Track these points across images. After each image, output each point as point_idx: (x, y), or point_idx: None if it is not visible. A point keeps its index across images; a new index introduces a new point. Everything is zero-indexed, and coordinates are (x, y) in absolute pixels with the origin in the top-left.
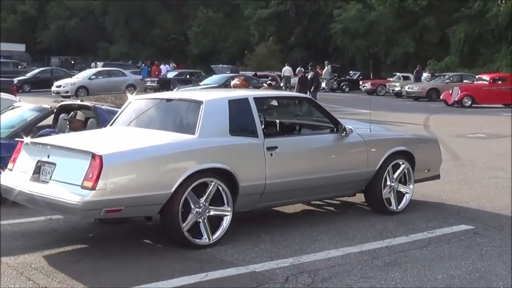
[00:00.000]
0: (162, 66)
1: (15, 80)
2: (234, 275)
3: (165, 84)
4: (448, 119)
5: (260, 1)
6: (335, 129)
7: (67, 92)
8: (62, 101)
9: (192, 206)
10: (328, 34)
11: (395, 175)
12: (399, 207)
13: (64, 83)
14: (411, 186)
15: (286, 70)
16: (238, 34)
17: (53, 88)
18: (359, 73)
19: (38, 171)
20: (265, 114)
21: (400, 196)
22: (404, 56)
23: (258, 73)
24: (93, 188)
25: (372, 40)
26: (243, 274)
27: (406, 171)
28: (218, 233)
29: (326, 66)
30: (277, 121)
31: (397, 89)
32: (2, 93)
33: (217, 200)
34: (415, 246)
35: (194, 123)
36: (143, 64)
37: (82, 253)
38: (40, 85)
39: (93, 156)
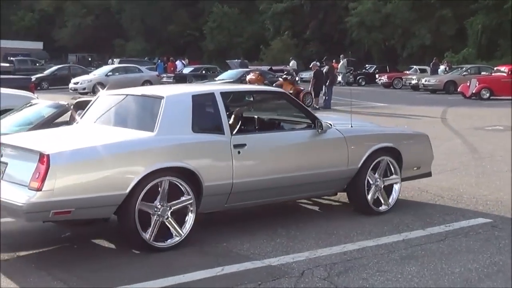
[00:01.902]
0: (177, 62)
1: (33, 77)
2: (249, 269)
3: (181, 80)
4: (466, 112)
5: None
6: (313, 125)
7: (84, 89)
8: (79, 97)
9: (153, 206)
10: (344, 27)
11: (380, 173)
12: (389, 201)
13: (81, 80)
14: (397, 176)
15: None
16: (253, 29)
17: (71, 85)
18: (375, 66)
19: None
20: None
21: (388, 191)
22: (421, 48)
23: (274, 68)
24: (39, 189)
25: (388, 33)
26: (259, 268)
27: (392, 166)
28: (187, 227)
29: (341, 60)
30: (249, 117)
31: (413, 82)
32: (20, 91)
33: (176, 195)
34: (432, 240)
35: (153, 119)
36: (159, 61)
37: (100, 247)
38: (58, 82)
39: (41, 155)
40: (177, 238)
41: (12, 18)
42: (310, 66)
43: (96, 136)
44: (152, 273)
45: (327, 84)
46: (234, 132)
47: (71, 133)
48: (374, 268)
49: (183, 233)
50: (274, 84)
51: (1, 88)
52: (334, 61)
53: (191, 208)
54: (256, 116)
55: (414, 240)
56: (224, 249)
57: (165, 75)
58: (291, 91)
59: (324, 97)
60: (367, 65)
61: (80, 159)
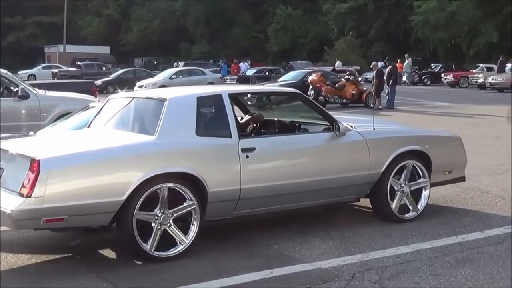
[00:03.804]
0: (241, 64)
1: (100, 81)
2: (299, 272)
3: (244, 82)
4: None
5: None
6: (331, 127)
7: None
8: None
9: (153, 215)
10: (409, 26)
11: (406, 178)
12: (418, 207)
13: (146, 83)
14: (425, 179)
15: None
16: (318, 30)
17: (135, 88)
18: (440, 65)
19: None
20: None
21: (417, 196)
22: (488, 46)
23: (337, 68)
24: (28, 196)
25: (453, 31)
26: (309, 271)
27: (419, 169)
28: (191, 235)
29: (406, 59)
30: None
31: (480, 80)
32: (81, 95)
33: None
34: (489, 242)
35: (155, 123)
36: (222, 63)
37: None
38: (124, 85)
39: (32, 160)
40: (181, 246)
41: (80, 24)
42: (371, 66)
43: (94, 140)
44: (201, 275)
45: (390, 84)
46: (242, 136)
47: (70, 139)
48: (427, 272)
49: (187, 240)
50: (336, 85)
51: (65, 92)
52: (398, 60)
53: (195, 216)
54: (272, 119)
55: (471, 243)
56: (275, 251)
57: (228, 77)
58: (353, 92)
59: (387, 97)
60: (432, 64)
61: (72, 165)
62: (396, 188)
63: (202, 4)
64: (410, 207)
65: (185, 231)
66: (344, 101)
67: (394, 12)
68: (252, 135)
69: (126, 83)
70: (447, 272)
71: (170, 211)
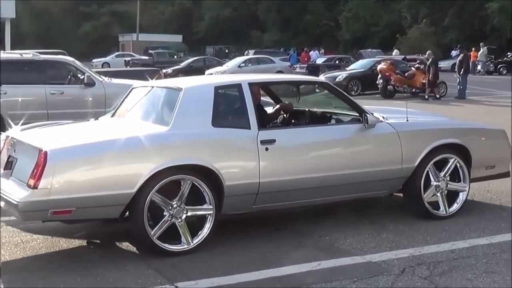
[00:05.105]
0: (311, 52)
1: (170, 70)
2: (348, 265)
3: (314, 70)
4: None
5: None
6: (361, 119)
7: None
8: None
9: (165, 208)
10: (485, 14)
11: (442, 173)
12: (450, 209)
13: (215, 71)
14: (465, 184)
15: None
16: (390, 18)
17: None
18: None
19: (9, 167)
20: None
21: (453, 196)
22: None
23: (408, 57)
24: (35, 187)
25: None
26: (358, 264)
27: (459, 168)
28: (200, 237)
29: (481, 48)
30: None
31: None
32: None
33: (199, 199)
34: None
35: (170, 113)
36: (293, 51)
37: None
38: (194, 73)
39: (39, 151)
40: (185, 246)
41: (153, 12)
42: (426, 56)
43: (106, 131)
44: (247, 265)
45: (461, 73)
46: (263, 127)
47: (83, 129)
48: (482, 269)
49: (192, 242)
50: (406, 74)
51: (129, 80)
52: (473, 49)
53: (210, 212)
54: (303, 109)
55: None
56: (325, 243)
57: (298, 65)
58: (424, 81)
59: (458, 87)
60: (509, 53)
61: (80, 156)
62: (432, 181)
63: None
64: (441, 207)
65: (201, 224)
66: (413, 90)
67: None
68: (280, 125)
69: (196, 71)
70: (502, 270)
71: (186, 207)
